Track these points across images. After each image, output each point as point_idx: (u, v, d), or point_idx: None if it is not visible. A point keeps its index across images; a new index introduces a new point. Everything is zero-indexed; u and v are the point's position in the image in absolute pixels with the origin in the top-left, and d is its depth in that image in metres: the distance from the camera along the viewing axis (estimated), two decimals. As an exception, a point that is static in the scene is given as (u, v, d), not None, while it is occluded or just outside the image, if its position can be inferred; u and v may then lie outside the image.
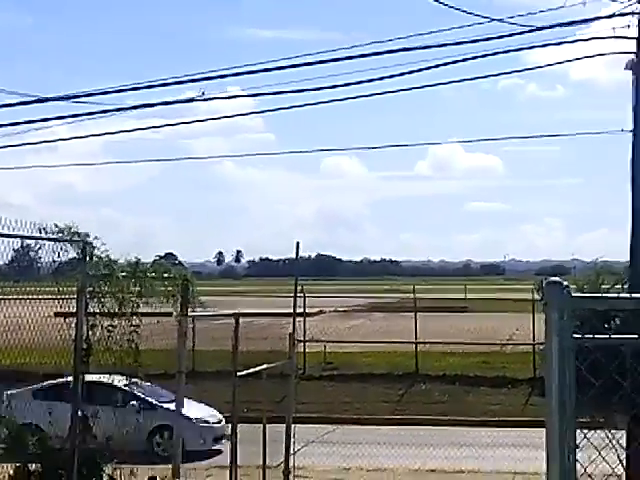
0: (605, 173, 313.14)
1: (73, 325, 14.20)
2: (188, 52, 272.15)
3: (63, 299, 15.86)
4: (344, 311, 55.47)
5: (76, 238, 13.06)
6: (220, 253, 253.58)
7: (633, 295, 4.14)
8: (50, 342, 14.76)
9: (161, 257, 15.00)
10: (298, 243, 21.01)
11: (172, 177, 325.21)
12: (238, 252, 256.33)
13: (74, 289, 14.12)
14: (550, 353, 3.81)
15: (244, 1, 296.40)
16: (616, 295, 4.30)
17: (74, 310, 15.11)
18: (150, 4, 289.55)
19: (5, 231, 11.86)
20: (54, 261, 13.99)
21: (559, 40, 17.53)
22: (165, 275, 14.89)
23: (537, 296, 31.14)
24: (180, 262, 15.56)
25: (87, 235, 13.24)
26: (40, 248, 14.16)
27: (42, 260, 14.89)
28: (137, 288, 13.97)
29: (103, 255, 13.46)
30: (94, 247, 13.26)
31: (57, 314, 14.92)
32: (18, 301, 16.13)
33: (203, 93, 19.33)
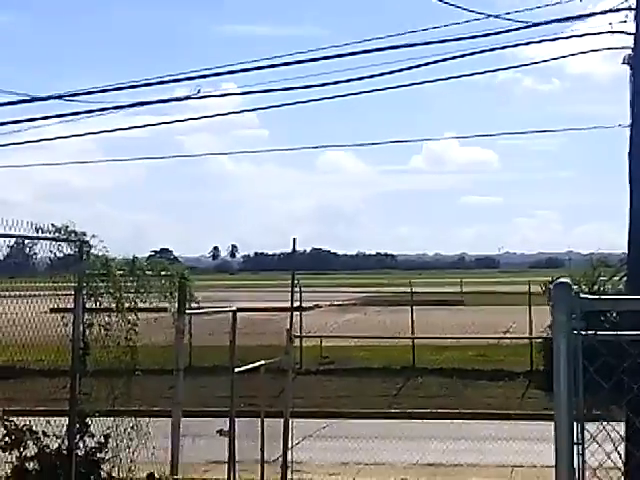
0: (600, 166, 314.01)
1: (70, 322, 14.18)
2: (175, 49, 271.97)
3: (59, 295, 15.85)
4: (340, 305, 55.46)
5: (73, 237, 13.02)
6: (215, 248, 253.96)
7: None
8: (46, 339, 14.73)
9: (156, 252, 15.01)
10: (295, 239, 20.99)
11: (167, 174, 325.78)
12: (233, 247, 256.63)
13: (70, 285, 14.10)
14: (558, 354, 3.79)
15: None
16: (626, 297, 4.28)
17: (70, 306, 15.10)
18: (127, 2, 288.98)
19: (2, 230, 11.84)
20: (50, 259, 13.96)
21: (555, 36, 17.57)
22: (162, 273, 14.89)
23: (536, 289, 31.21)
24: (175, 257, 15.54)
25: (84, 234, 13.20)
26: (35, 244, 14.12)
27: (37, 256, 14.86)
28: (134, 285, 13.98)
29: (100, 254, 13.43)
30: (91, 246, 13.23)
31: (53, 310, 14.88)
32: (13, 297, 16.09)
33: (199, 91, 19.35)
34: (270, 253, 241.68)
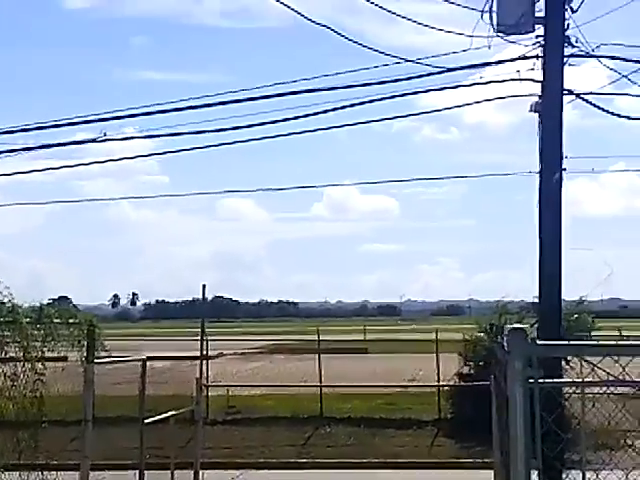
0: (501, 215, 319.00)
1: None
2: (79, 94, 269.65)
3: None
4: (243, 353, 55.02)
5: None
6: (115, 296, 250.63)
7: (601, 342, 4.02)
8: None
9: (55, 300, 14.62)
10: (204, 286, 20.72)
11: (66, 219, 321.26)
12: (134, 294, 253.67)
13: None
14: (514, 403, 3.66)
15: (130, 44, 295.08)
16: (582, 343, 4.18)
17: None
18: (31, 43, 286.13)
19: None
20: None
21: (456, 83, 17.73)
22: (70, 320, 14.50)
23: (451, 337, 31.31)
24: (74, 305, 15.21)
25: (-14, 282, 12.81)
26: None
27: None
28: (42, 332, 13.57)
29: (5, 300, 13.03)
30: (-4, 292, 12.84)
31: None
32: None
33: (104, 134, 19.14)
34: (172, 301, 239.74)
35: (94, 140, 19.52)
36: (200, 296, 23.80)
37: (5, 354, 12.98)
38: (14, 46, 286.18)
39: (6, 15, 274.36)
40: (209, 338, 31.26)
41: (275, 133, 18.32)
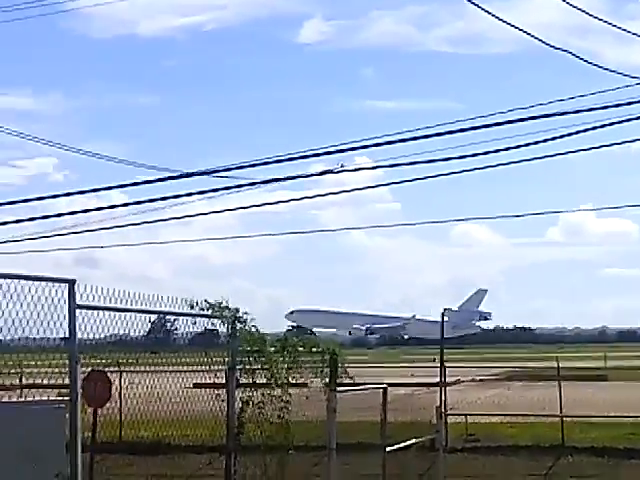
0: None
1: (221, 398, 14.20)
2: (315, 126, 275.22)
3: (203, 371, 15.91)
4: (480, 380, 54.56)
5: (226, 313, 13.06)
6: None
7: None
8: (192, 414, 14.74)
9: (293, 327, 14.93)
10: (443, 313, 20.72)
11: (303, 248, 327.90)
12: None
13: (215, 360, 14.17)
14: None
15: (358, 75, 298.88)
16: None
17: (214, 381, 15.13)
18: (267, 80, 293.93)
19: (153, 308, 11.97)
20: (191, 334, 14.04)
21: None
22: (313, 349, 14.83)
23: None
24: (312, 332, 15.41)
25: (237, 310, 13.23)
26: (175, 320, 14.25)
27: (178, 332, 14.99)
28: (286, 360, 13.92)
29: (253, 329, 13.42)
30: (244, 321, 13.24)
31: (196, 385, 14.91)
32: (157, 373, 16.22)
33: (342, 165, 19.45)
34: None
35: (329, 171, 19.89)
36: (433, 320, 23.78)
37: (254, 381, 13.36)
38: (258, 84, 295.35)
39: (246, 55, 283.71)
40: (446, 365, 31.24)
41: (507, 160, 18.23)
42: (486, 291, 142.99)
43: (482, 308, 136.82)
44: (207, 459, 22.73)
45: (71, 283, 10.10)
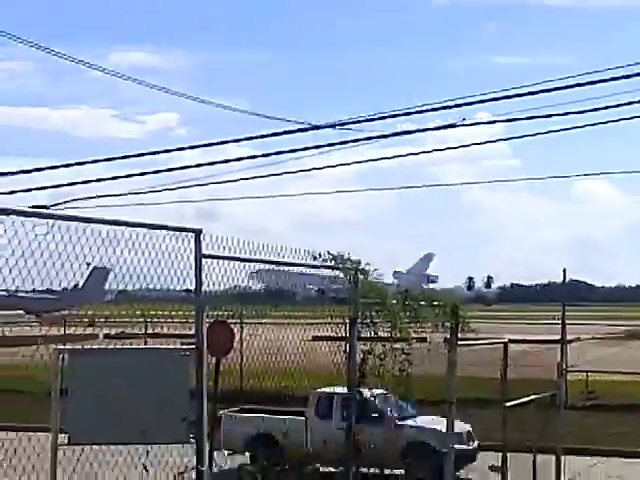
0: None
1: (342, 350, 14.30)
2: (427, 81, 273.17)
3: (321, 324, 16.03)
4: (600, 338, 53.91)
5: (348, 265, 13.09)
6: (470, 278, 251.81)
7: None
8: (311, 366, 14.89)
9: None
10: (565, 270, 20.45)
11: (418, 203, 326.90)
12: (489, 278, 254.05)
13: (334, 313, 14.26)
14: None
15: (483, 30, 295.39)
16: None
17: (335, 334, 15.24)
18: (390, 37, 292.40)
19: (282, 259, 12.08)
20: (319, 288, 14.14)
21: None
22: (435, 303, 14.79)
23: None
24: (427, 286, 15.26)
25: (359, 262, 13.25)
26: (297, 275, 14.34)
27: (298, 286, 15.10)
28: (407, 314, 13.91)
29: (374, 282, 13.43)
30: (367, 273, 13.26)
31: (315, 338, 15.03)
32: (277, 325, 16.41)
33: (463, 119, 19.23)
34: (526, 284, 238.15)
35: (452, 125, 19.67)
36: (555, 279, 23.45)
37: (375, 334, 13.39)
38: (379, 40, 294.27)
39: (369, 12, 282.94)
40: (566, 322, 30.88)
41: (631, 115, 17.76)
42: (434, 255, 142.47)
43: (429, 271, 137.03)
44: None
45: (197, 232, 10.20)
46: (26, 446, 11.72)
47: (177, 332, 28.98)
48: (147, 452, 10.99)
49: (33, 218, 8.74)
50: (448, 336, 15.23)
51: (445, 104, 18.68)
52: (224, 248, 10.91)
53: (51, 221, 8.81)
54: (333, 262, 12.98)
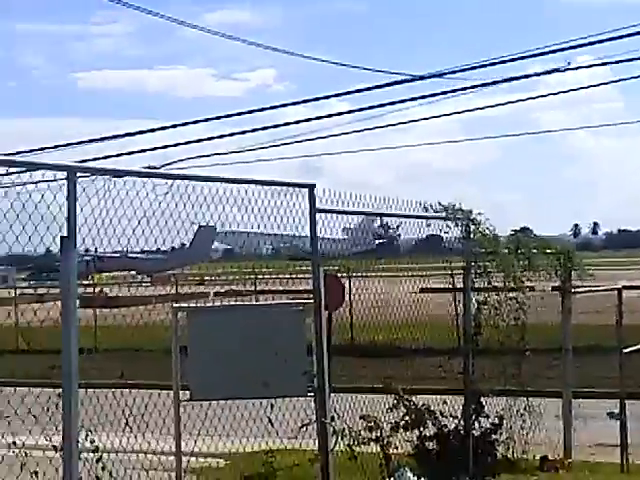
0: None
1: (455, 302, 14.27)
2: (524, 26, 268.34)
3: (430, 276, 15.98)
4: None
5: (460, 215, 13.00)
6: (576, 225, 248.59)
7: None
8: (421, 318, 14.83)
9: (516, 231, 14.67)
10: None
11: (523, 152, 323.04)
12: (595, 224, 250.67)
13: (440, 265, 14.22)
14: None
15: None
16: None
17: (439, 286, 15.20)
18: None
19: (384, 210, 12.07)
20: (422, 239, 14.08)
21: None
22: (547, 251, 14.63)
23: None
24: (535, 235, 15.18)
25: (470, 211, 13.14)
26: (399, 226, 14.30)
27: (401, 238, 15.07)
28: (520, 263, 13.77)
29: (487, 232, 13.30)
30: (478, 223, 13.15)
31: (423, 290, 14.98)
32: (383, 278, 16.40)
33: (569, 63, 18.81)
34: (634, 229, 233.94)
35: (556, 70, 19.27)
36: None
37: (489, 284, 13.30)
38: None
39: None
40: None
41: None
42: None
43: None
44: (436, 362, 22.91)
45: (311, 187, 10.20)
46: (149, 402, 11.92)
47: (284, 288, 29.19)
48: (271, 406, 11.13)
49: (145, 178, 8.78)
50: (557, 284, 15.10)
51: (544, 50, 18.33)
52: (336, 202, 10.92)
53: (170, 181, 8.90)
54: (444, 213, 12.90)
